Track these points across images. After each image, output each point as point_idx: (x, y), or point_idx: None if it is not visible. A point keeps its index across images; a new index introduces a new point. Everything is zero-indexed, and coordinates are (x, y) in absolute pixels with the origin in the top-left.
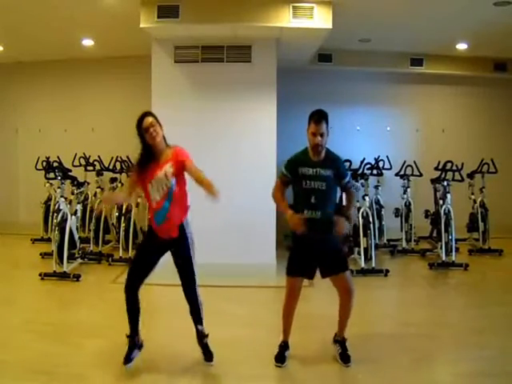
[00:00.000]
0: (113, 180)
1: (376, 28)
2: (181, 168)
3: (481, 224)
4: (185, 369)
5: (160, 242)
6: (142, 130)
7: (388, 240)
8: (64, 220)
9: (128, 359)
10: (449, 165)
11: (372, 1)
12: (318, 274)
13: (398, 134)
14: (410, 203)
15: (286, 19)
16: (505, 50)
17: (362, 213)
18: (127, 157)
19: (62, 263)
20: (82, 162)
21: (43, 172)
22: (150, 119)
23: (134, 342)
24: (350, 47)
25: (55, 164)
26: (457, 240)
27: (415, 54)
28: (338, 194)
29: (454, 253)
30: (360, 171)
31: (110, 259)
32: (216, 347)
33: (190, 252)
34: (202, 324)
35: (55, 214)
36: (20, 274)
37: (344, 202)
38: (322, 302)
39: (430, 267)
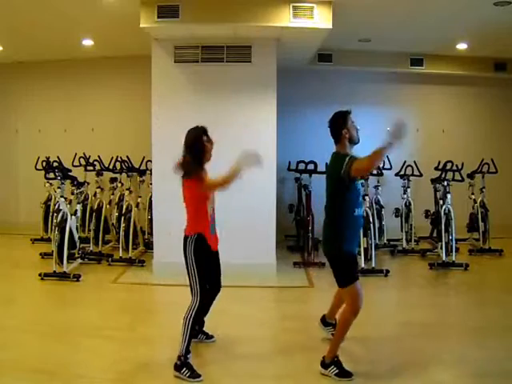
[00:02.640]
0: (113, 180)
1: (376, 28)
2: None
3: (481, 224)
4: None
5: (214, 254)
6: (205, 145)
7: (388, 240)
8: (64, 220)
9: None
10: (449, 165)
11: (372, 1)
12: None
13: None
14: (410, 203)
15: (285, 19)
16: (505, 50)
17: (362, 213)
18: (127, 157)
19: (62, 263)
20: (82, 161)
21: (43, 172)
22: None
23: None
24: (350, 47)
25: (55, 164)
26: (457, 240)
27: (415, 54)
28: None
29: (454, 253)
30: None
31: (110, 259)
32: (217, 346)
33: None
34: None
35: (55, 214)
36: (20, 274)
37: None
38: (322, 303)
39: (431, 267)
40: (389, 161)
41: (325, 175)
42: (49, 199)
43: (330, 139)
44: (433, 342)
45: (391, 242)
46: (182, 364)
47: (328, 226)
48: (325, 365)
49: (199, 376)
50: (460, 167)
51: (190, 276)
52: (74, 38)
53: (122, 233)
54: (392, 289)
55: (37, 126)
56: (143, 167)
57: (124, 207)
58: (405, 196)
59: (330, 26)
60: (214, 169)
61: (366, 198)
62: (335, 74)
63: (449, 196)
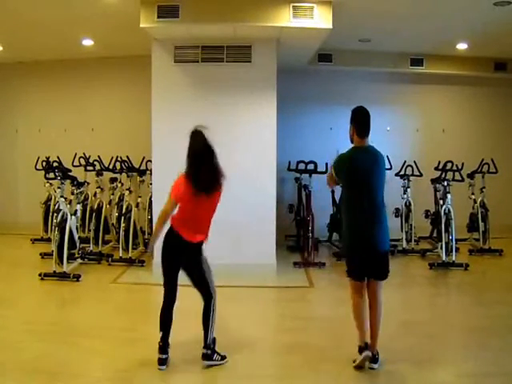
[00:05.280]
0: (113, 180)
1: (376, 28)
2: None
3: (481, 224)
4: (186, 368)
5: None
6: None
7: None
8: (64, 220)
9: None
10: (449, 165)
11: (372, 1)
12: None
13: (398, 134)
14: (410, 203)
15: (285, 19)
16: (505, 50)
17: None
18: (127, 157)
19: (62, 263)
20: (82, 162)
21: (43, 172)
22: None
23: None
24: (350, 47)
25: (55, 164)
26: (457, 240)
27: (415, 54)
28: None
29: (454, 253)
30: None
31: (110, 259)
32: (218, 347)
33: None
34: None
35: (55, 214)
36: (20, 274)
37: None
38: (322, 302)
39: (431, 267)
40: (389, 161)
41: (354, 169)
42: (49, 199)
43: (329, 139)
44: (433, 342)
45: (391, 242)
46: (213, 351)
47: (380, 222)
48: (377, 359)
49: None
50: (460, 167)
51: (205, 275)
52: (74, 38)
53: (121, 233)
54: (392, 289)
55: (37, 126)
56: (143, 167)
57: (124, 207)
58: (405, 196)
59: (330, 26)
60: None
61: None
62: (335, 73)
63: (449, 196)
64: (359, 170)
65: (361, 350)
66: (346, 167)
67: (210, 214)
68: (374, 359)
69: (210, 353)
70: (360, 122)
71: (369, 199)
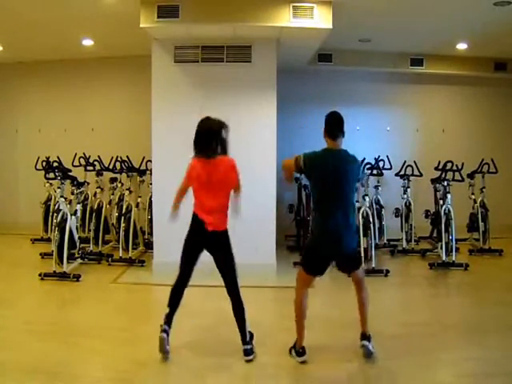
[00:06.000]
0: (113, 180)
1: (376, 28)
2: None
3: (481, 224)
4: (187, 368)
5: None
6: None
7: (388, 240)
8: (64, 220)
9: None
10: (449, 165)
11: (372, 1)
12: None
13: (398, 133)
14: (410, 203)
15: (285, 19)
16: (505, 50)
17: (362, 213)
18: (127, 157)
19: (62, 263)
20: (82, 162)
21: (43, 172)
22: None
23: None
24: (350, 47)
25: (55, 164)
26: (457, 240)
27: (415, 54)
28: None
29: (454, 253)
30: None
31: (110, 259)
32: (215, 346)
33: None
34: None
35: (55, 214)
36: (20, 274)
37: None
38: (322, 303)
39: (431, 267)
40: (389, 161)
41: (325, 171)
42: (49, 199)
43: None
44: (433, 342)
45: (391, 242)
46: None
47: (351, 225)
48: (370, 337)
49: None
50: (460, 167)
51: (234, 266)
52: (74, 38)
53: (121, 233)
54: (392, 289)
55: (37, 126)
56: (143, 167)
57: (124, 207)
58: (405, 196)
59: (330, 26)
60: None
61: (366, 198)
62: (335, 73)
63: (449, 196)
64: (330, 174)
65: (299, 354)
66: (317, 168)
67: (222, 187)
68: (367, 337)
69: (251, 348)
70: (330, 123)
71: (339, 204)
